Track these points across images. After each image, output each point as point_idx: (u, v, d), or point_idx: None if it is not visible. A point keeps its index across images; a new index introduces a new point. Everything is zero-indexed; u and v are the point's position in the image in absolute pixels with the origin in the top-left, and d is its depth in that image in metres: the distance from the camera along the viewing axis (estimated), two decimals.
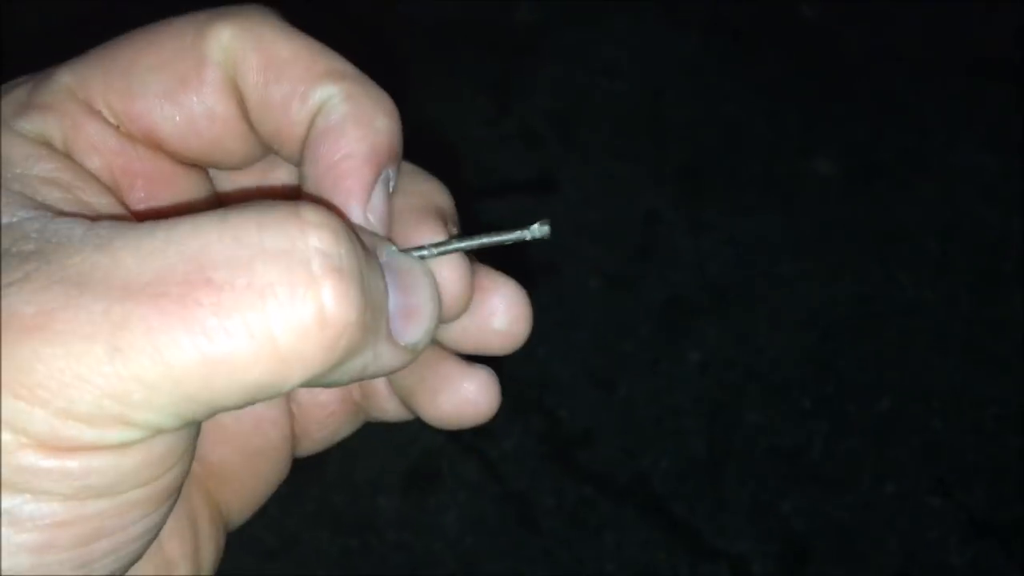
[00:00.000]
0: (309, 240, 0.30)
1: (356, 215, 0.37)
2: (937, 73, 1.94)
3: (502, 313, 0.42)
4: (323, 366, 0.31)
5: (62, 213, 0.33)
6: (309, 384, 0.32)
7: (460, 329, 0.42)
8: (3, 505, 0.29)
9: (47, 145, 0.36)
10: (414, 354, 0.36)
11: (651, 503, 1.52)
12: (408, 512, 1.51)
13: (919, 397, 1.61)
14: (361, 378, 0.34)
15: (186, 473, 0.34)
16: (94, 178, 0.37)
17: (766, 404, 1.60)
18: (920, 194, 1.81)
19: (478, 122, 1.83)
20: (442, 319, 0.38)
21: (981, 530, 1.51)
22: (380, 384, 0.46)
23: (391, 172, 0.39)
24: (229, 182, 0.44)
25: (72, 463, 0.29)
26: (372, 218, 0.38)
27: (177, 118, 0.39)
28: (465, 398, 0.44)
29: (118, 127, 0.39)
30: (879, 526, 1.52)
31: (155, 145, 0.39)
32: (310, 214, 0.31)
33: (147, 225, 0.31)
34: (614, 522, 1.51)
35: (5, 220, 0.32)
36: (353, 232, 0.32)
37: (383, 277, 0.34)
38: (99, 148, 0.38)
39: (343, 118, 0.38)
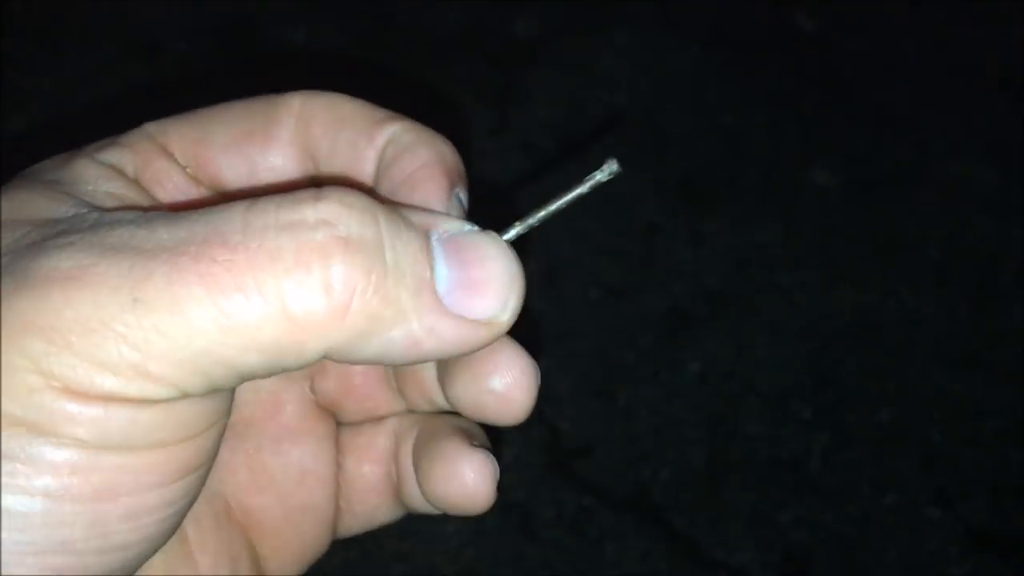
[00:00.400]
0: (319, 212, 0.33)
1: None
2: (936, 84, 1.95)
3: (507, 378, 0.44)
4: (340, 332, 0.33)
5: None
6: (346, 355, 0.34)
7: (461, 388, 0.44)
8: (25, 446, 0.31)
9: (118, 171, 0.41)
10: (491, 329, 0.36)
11: (651, 513, 1.52)
12: (408, 523, 1.50)
13: (919, 408, 1.61)
14: (418, 354, 0.35)
15: (208, 461, 0.36)
16: (157, 204, 0.41)
17: (766, 415, 1.60)
18: (919, 205, 1.81)
19: (477, 133, 1.83)
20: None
21: (981, 542, 1.51)
22: (405, 464, 0.48)
23: (460, 191, 0.44)
24: None
25: (93, 410, 0.31)
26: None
27: (241, 167, 0.43)
28: (459, 477, 0.45)
29: (186, 168, 0.43)
30: (879, 537, 1.51)
31: (217, 189, 0.44)
32: (328, 191, 0.34)
33: (189, 210, 0.34)
34: (614, 533, 1.51)
35: (71, 212, 0.36)
36: (378, 208, 0.34)
37: (424, 250, 0.35)
38: (164, 183, 0.42)
39: (413, 142, 0.43)
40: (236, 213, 0.33)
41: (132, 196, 0.39)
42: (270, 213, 0.33)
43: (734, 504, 1.54)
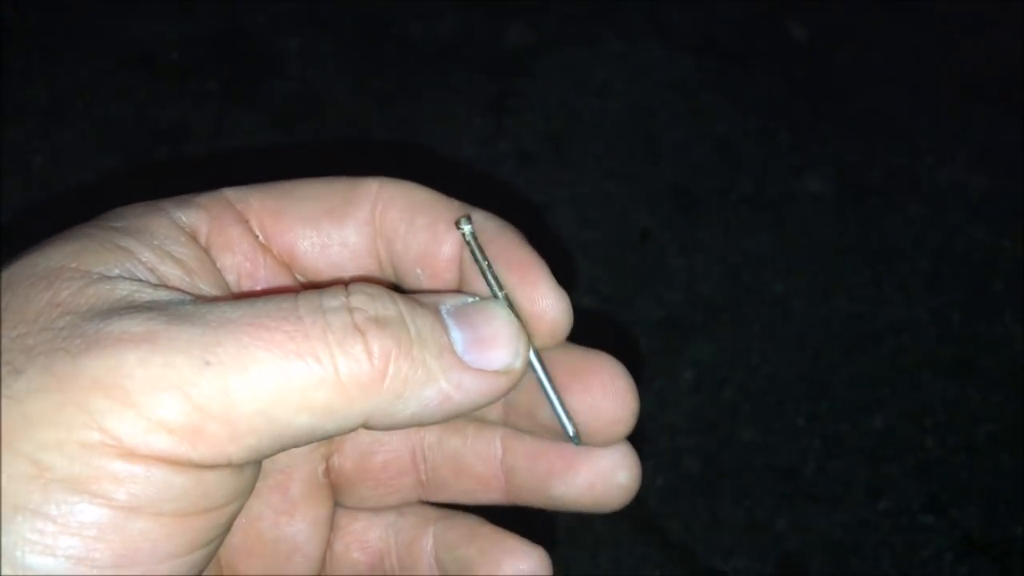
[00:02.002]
0: (352, 300, 0.38)
1: (547, 294, 0.47)
2: (927, 93, 1.96)
3: (626, 468, 0.50)
4: (380, 395, 0.37)
5: (175, 289, 0.40)
6: (385, 418, 0.38)
7: (586, 486, 0.49)
8: (61, 502, 0.32)
9: (190, 235, 0.43)
10: (510, 377, 0.42)
11: (646, 521, 1.52)
12: None
13: (912, 415, 1.62)
14: (450, 408, 0.40)
15: (220, 538, 0.38)
16: (218, 272, 0.44)
17: (760, 422, 1.61)
18: (911, 213, 1.82)
19: (472, 142, 1.84)
20: (541, 343, 0.46)
21: (975, 547, 1.51)
22: (422, 559, 0.52)
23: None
24: None
25: (137, 469, 0.33)
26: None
27: (314, 240, 0.46)
28: (525, 572, 0.51)
29: (258, 237, 0.46)
30: (873, 543, 1.52)
31: (288, 260, 0.47)
32: (355, 284, 0.39)
33: (243, 301, 0.37)
34: (609, 540, 1.51)
35: (126, 275, 0.38)
36: (395, 294, 0.39)
37: (437, 321, 0.40)
38: (233, 249, 0.45)
39: (496, 228, 0.47)
40: (288, 298, 0.37)
41: (193, 265, 0.42)
42: (315, 300, 0.37)
43: (729, 511, 1.54)
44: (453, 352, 0.40)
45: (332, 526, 0.52)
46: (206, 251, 0.43)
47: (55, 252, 0.38)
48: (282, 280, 0.47)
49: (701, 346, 1.67)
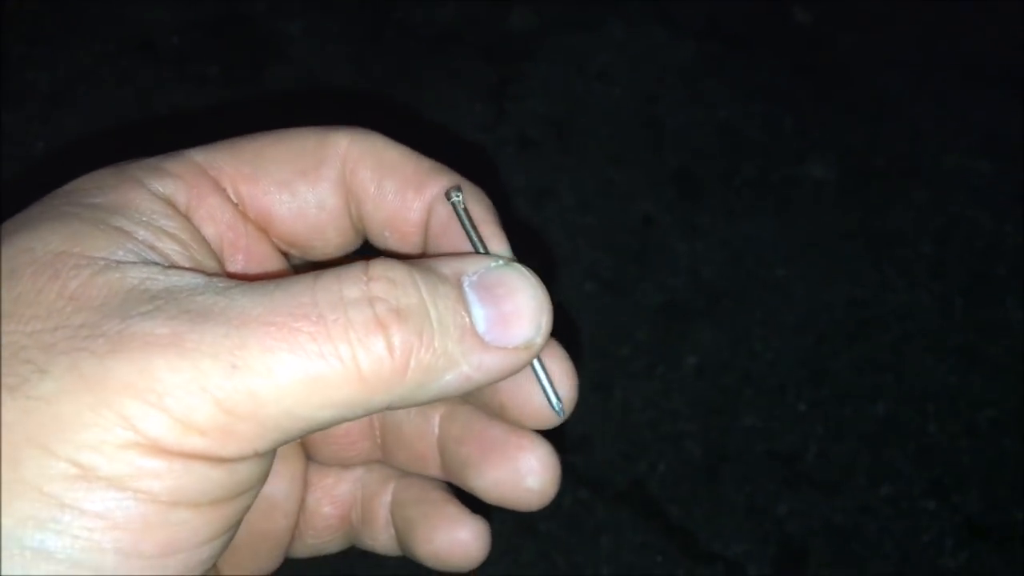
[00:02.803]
0: (372, 289, 0.38)
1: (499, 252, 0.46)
2: (931, 77, 1.95)
3: (537, 473, 0.50)
4: (402, 387, 0.38)
5: (175, 264, 0.40)
6: (406, 403, 0.39)
7: (492, 482, 0.50)
8: (103, 500, 0.33)
9: (172, 206, 0.42)
10: (530, 351, 0.42)
11: (647, 506, 1.53)
12: None
13: (914, 400, 1.62)
14: (469, 386, 0.41)
15: (243, 515, 0.39)
16: (206, 243, 0.43)
17: (762, 407, 1.61)
18: (914, 198, 1.81)
19: (474, 127, 1.83)
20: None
21: (976, 532, 1.51)
22: (380, 513, 0.54)
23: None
24: None
25: (176, 466, 0.34)
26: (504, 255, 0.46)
27: (291, 204, 0.46)
28: (460, 541, 0.51)
29: (236, 205, 0.45)
30: (874, 529, 1.52)
31: (265, 226, 0.47)
32: (375, 268, 0.38)
33: (257, 282, 0.38)
34: (611, 525, 1.51)
35: (134, 258, 0.38)
36: (416, 275, 0.39)
37: (460, 300, 0.40)
38: (216, 219, 0.44)
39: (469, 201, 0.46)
40: (307, 288, 0.37)
41: (184, 237, 0.41)
42: (335, 291, 0.37)
43: (730, 496, 1.54)
44: (475, 334, 0.40)
45: (305, 482, 0.54)
46: (189, 220, 0.43)
47: (50, 235, 0.38)
48: (263, 247, 0.47)
49: (703, 331, 1.67)
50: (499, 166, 1.77)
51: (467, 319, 0.40)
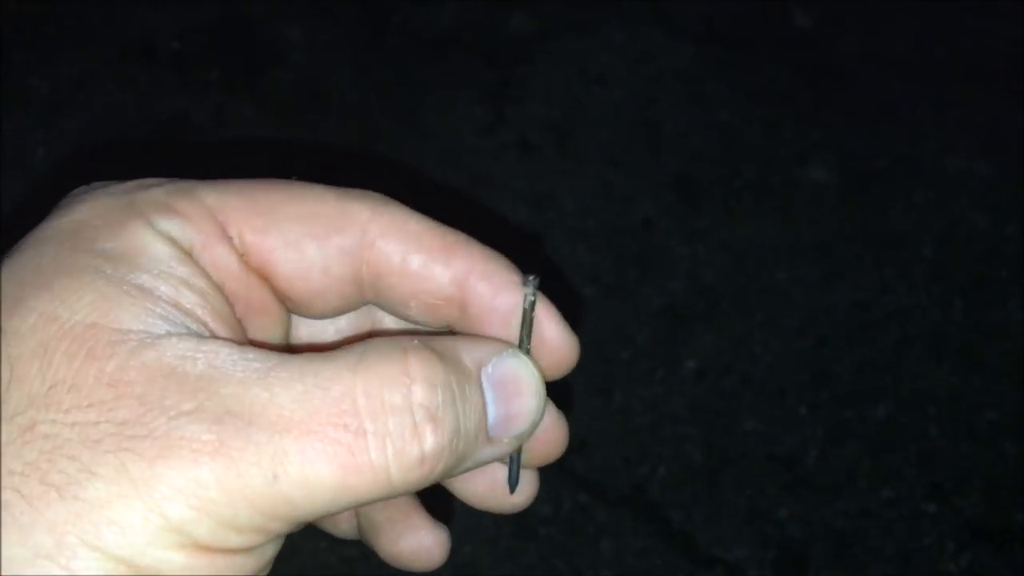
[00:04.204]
0: (414, 395, 0.38)
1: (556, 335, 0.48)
2: (931, 80, 1.95)
3: (526, 486, 0.53)
4: (421, 486, 0.40)
5: (200, 321, 0.40)
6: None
7: (479, 491, 0.53)
8: None
9: (184, 251, 0.42)
10: (518, 443, 0.45)
11: (648, 510, 1.53)
12: None
13: (915, 403, 1.62)
14: (457, 474, 0.43)
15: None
16: (220, 291, 0.43)
17: (762, 411, 1.61)
18: (915, 200, 1.81)
19: (474, 131, 1.84)
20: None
21: (977, 536, 1.51)
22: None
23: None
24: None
25: (214, 560, 0.36)
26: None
27: (297, 265, 0.45)
28: (424, 546, 0.54)
29: (242, 255, 0.44)
30: (875, 532, 1.52)
31: (265, 278, 0.46)
32: (416, 367, 0.39)
33: (293, 364, 0.38)
34: (611, 529, 1.51)
35: (165, 329, 0.38)
36: (451, 377, 0.40)
37: (481, 400, 0.42)
38: (220, 268, 0.43)
39: (490, 272, 0.47)
40: (348, 391, 0.37)
41: (200, 285, 0.41)
42: (376, 396, 0.38)
43: (731, 500, 1.54)
44: (486, 432, 0.42)
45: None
46: (202, 268, 0.43)
47: (75, 301, 0.37)
48: (262, 296, 0.46)
49: (703, 335, 1.67)
50: (499, 170, 1.77)
51: (485, 420, 0.42)
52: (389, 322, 0.52)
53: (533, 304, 0.46)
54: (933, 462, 1.57)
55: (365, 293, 0.48)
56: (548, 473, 1.51)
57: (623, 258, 1.73)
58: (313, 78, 1.86)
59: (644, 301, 1.69)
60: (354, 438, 0.37)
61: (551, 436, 0.52)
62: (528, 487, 0.54)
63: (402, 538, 0.53)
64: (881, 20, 2.03)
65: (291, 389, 0.37)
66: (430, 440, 0.38)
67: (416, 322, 0.49)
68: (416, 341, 0.41)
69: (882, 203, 1.81)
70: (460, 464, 0.41)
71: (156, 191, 0.43)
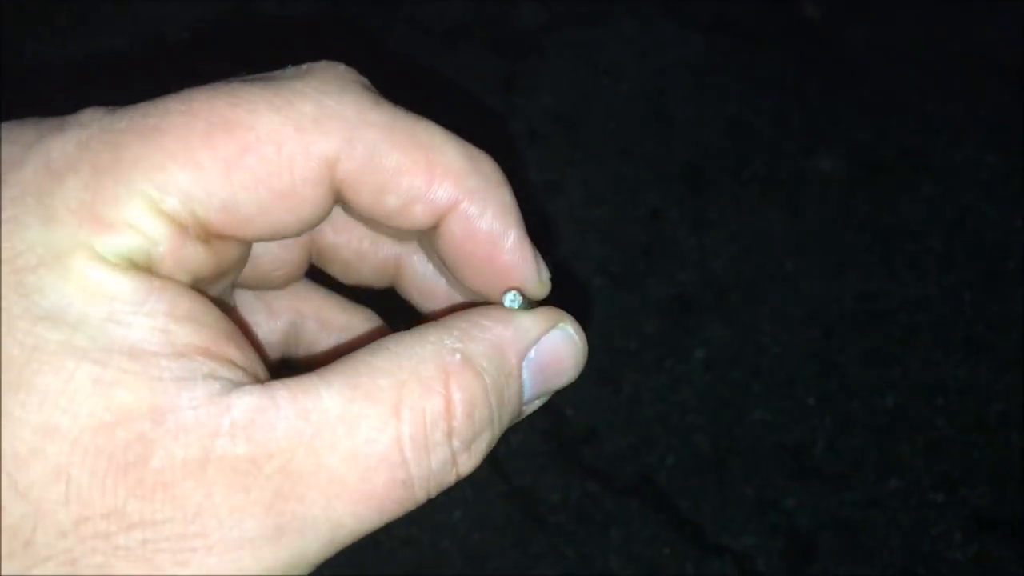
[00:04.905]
0: (455, 431, 0.36)
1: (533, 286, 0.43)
2: (940, 71, 1.95)
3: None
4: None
5: (205, 353, 0.34)
6: None
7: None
8: None
9: (146, 273, 0.34)
10: (540, 404, 0.42)
11: (656, 499, 1.53)
12: (416, 509, 1.52)
13: (922, 394, 1.62)
14: None
15: None
16: (205, 301, 0.36)
17: (770, 401, 1.61)
18: (923, 192, 1.81)
19: (483, 121, 1.84)
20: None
21: (985, 526, 1.51)
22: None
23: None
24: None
25: None
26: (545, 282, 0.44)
27: (269, 222, 0.38)
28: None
29: (204, 239, 0.37)
30: (883, 522, 1.52)
31: (231, 239, 0.38)
32: (459, 399, 0.37)
33: (333, 411, 0.34)
34: (619, 518, 1.52)
35: (180, 395, 0.32)
36: (490, 396, 0.38)
37: (520, 389, 0.40)
38: (190, 267, 0.36)
39: (482, 217, 0.42)
40: (395, 439, 0.35)
41: (185, 306, 0.34)
42: (420, 439, 0.35)
43: (739, 490, 1.55)
44: (520, 410, 0.41)
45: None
46: (172, 280, 0.35)
47: (68, 402, 0.31)
48: (231, 257, 0.39)
49: (711, 325, 1.67)
50: (508, 161, 1.78)
51: (520, 407, 0.41)
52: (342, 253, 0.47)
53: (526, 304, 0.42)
54: (941, 453, 1.58)
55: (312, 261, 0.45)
56: (557, 461, 1.52)
57: (631, 248, 1.73)
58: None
59: (652, 291, 1.70)
60: (403, 489, 0.35)
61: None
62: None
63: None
64: (890, 11, 2.03)
65: (338, 450, 0.34)
66: (465, 466, 0.38)
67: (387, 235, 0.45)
68: (458, 355, 0.37)
69: (891, 194, 1.81)
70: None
71: (72, 183, 0.33)
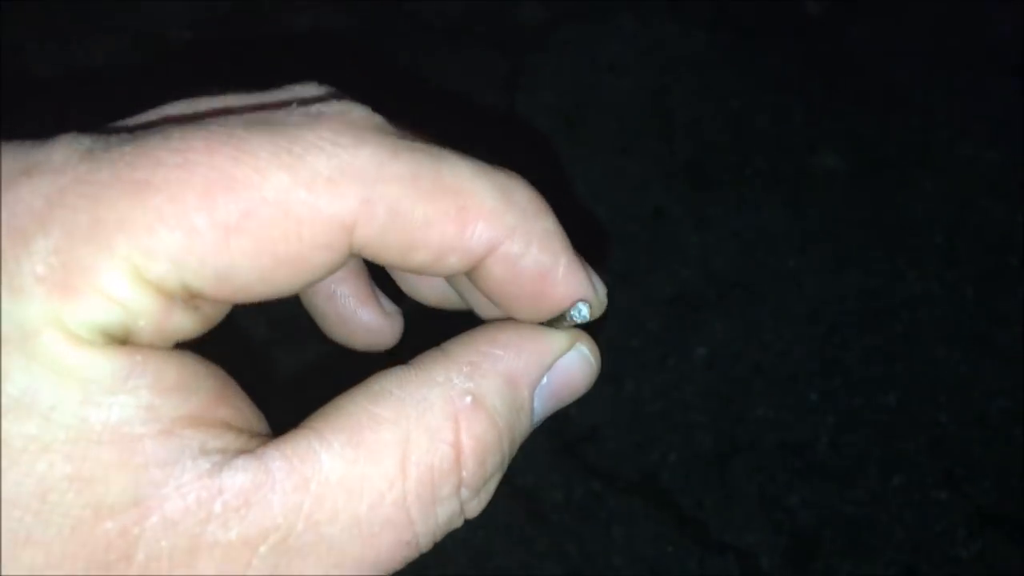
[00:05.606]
0: (465, 482, 0.34)
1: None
2: (943, 67, 1.94)
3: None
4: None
5: (195, 423, 0.31)
6: None
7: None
8: None
9: (125, 347, 0.30)
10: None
11: (659, 497, 1.53)
12: None
13: (926, 390, 1.62)
14: None
15: None
16: (187, 363, 0.32)
17: (773, 398, 1.61)
18: (926, 188, 1.81)
19: (485, 119, 1.84)
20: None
21: (989, 523, 1.51)
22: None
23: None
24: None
25: None
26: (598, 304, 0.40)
27: (270, 290, 0.33)
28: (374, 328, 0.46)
29: (196, 308, 0.33)
30: (886, 519, 1.52)
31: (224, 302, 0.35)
32: (468, 447, 0.34)
33: (334, 476, 0.31)
34: (622, 516, 1.52)
35: (172, 486, 0.29)
36: (503, 439, 0.35)
37: (530, 418, 0.37)
38: (174, 334, 0.32)
39: (527, 255, 0.38)
40: (400, 499, 0.33)
41: (172, 376, 0.31)
42: (427, 496, 0.33)
43: (742, 487, 1.55)
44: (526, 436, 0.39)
45: None
46: (155, 351, 0.31)
47: (56, 516, 0.28)
48: (220, 312, 0.35)
49: (714, 322, 1.67)
50: (510, 158, 1.77)
51: (528, 431, 0.38)
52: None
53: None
54: (944, 449, 1.57)
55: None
56: (559, 460, 1.53)
57: (634, 246, 1.73)
58: (324, 67, 1.87)
59: (655, 288, 1.70)
60: (407, 549, 0.33)
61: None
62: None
63: (353, 321, 0.45)
64: (891, 7, 2.02)
65: (339, 520, 0.31)
66: (474, 511, 0.36)
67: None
68: (469, 398, 0.34)
69: (893, 191, 1.81)
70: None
71: (39, 245, 0.29)
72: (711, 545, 1.50)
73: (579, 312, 0.39)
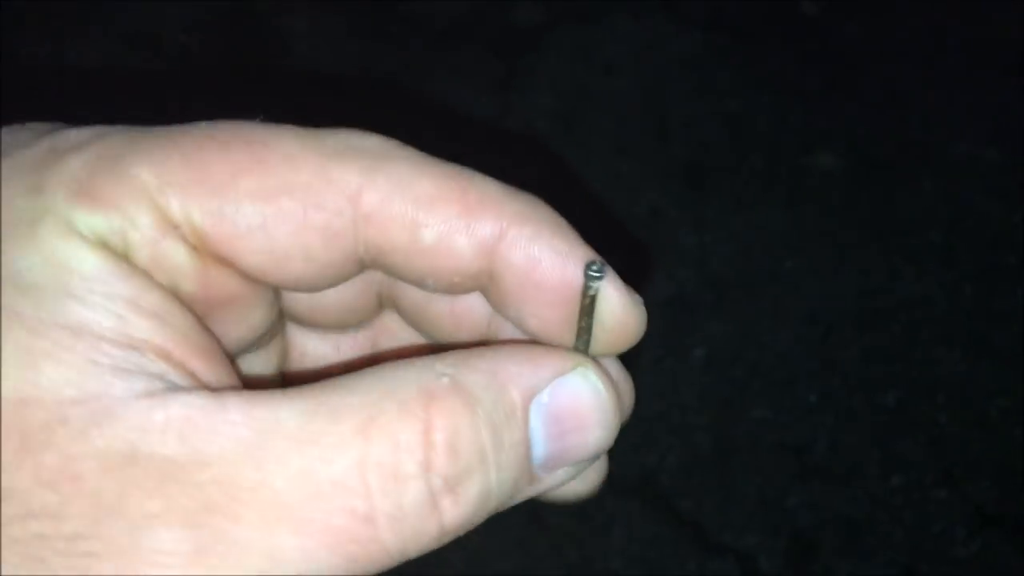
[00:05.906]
0: (433, 464, 0.31)
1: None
2: (939, 66, 1.94)
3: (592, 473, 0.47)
4: (435, 545, 0.33)
5: (160, 353, 0.31)
6: None
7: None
8: None
9: (121, 255, 0.32)
10: (576, 472, 0.38)
11: (658, 499, 1.53)
12: None
13: (924, 390, 1.62)
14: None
15: None
16: (174, 302, 0.33)
17: (771, 399, 1.61)
18: (923, 188, 1.81)
19: (481, 120, 1.83)
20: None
21: (988, 522, 1.51)
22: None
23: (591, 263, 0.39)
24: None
25: None
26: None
27: (269, 252, 0.34)
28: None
29: (196, 245, 0.34)
30: (885, 519, 1.52)
31: (229, 261, 0.35)
32: (439, 427, 0.32)
33: (290, 425, 0.30)
34: (621, 518, 1.51)
35: (117, 386, 0.29)
36: (480, 434, 0.33)
37: (526, 438, 0.34)
38: (169, 268, 0.33)
39: (539, 237, 0.38)
40: (357, 461, 0.30)
41: (151, 301, 0.32)
42: (389, 465, 0.31)
43: (740, 488, 1.54)
44: (531, 472, 0.35)
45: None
46: (148, 276, 0.33)
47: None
48: (224, 279, 0.35)
49: (711, 323, 1.67)
50: (506, 159, 1.77)
51: (528, 461, 0.35)
52: (409, 293, 0.42)
53: (594, 298, 0.37)
54: (943, 449, 1.57)
55: (366, 265, 0.37)
56: None
57: (630, 246, 1.73)
58: (319, 68, 1.86)
59: (652, 289, 1.69)
60: (363, 525, 0.30)
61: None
62: (594, 473, 0.45)
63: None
64: (888, 7, 2.02)
65: (287, 466, 0.29)
66: (450, 514, 0.32)
67: (437, 292, 0.39)
68: (446, 379, 0.33)
69: (890, 190, 1.81)
70: (496, 510, 0.35)
71: (72, 161, 0.32)
72: (710, 547, 1.50)
73: (595, 270, 0.37)
